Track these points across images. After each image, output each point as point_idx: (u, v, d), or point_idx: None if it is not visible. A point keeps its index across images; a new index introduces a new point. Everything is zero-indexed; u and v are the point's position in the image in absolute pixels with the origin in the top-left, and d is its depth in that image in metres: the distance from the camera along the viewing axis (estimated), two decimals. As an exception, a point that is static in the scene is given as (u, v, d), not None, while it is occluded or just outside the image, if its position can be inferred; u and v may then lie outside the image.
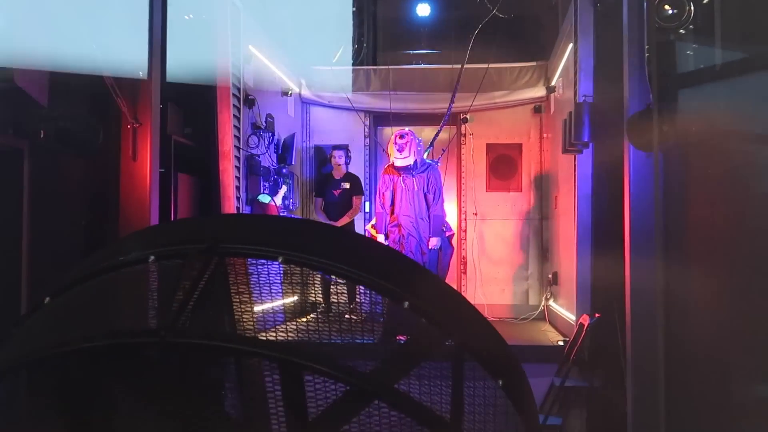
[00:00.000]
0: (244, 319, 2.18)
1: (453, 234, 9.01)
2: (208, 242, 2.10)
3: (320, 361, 1.82)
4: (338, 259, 2.14)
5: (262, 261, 2.13)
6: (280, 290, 2.20)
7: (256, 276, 2.17)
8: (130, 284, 2.14)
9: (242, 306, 2.17)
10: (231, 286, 2.17)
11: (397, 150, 8.69)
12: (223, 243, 2.12)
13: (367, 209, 10.77)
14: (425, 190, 8.74)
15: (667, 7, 4.45)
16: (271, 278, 2.17)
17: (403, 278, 2.22)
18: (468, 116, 10.71)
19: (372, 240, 2.83)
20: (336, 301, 2.34)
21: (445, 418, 2.01)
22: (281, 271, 2.15)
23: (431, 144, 9.77)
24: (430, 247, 8.59)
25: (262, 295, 2.20)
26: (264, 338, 2.01)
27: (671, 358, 5.12)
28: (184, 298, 1.91)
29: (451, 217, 10.64)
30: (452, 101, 9.67)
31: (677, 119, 4.69)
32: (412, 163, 8.73)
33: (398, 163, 8.73)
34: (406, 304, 2.09)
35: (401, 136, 8.74)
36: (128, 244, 2.33)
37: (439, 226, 8.67)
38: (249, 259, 2.15)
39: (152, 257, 2.13)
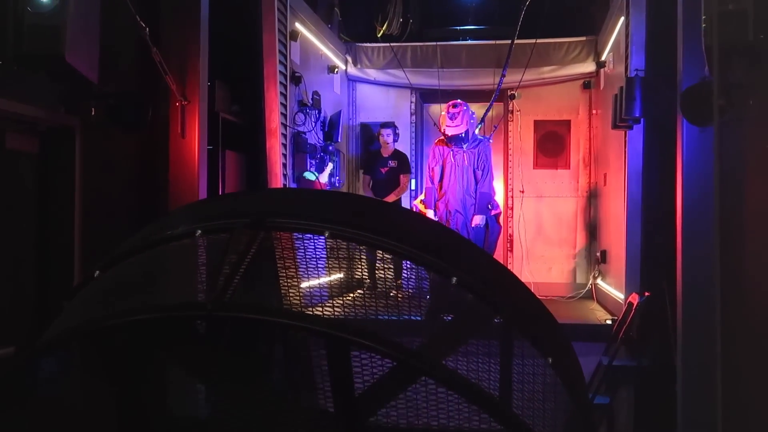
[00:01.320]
0: (291, 294, 2.18)
1: (500, 212, 8.86)
2: (255, 216, 2.10)
3: (367, 336, 1.80)
4: (385, 234, 2.12)
5: (309, 235, 2.12)
6: (326, 265, 2.19)
7: (302, 250, 2.15)
8: (178, 258, 2.15)
9: (288, 280, 2.17)
10: (277, 260, 2.17)
11: (449, 118, 8.53)
12: (270, 217, 2.11)
13: (413, 187, 10.73)
14: (475, 166, 8.59)
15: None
16: (317, 253, 2.16)
17: (452, 254, 2.19)
18: (516, 93, 10.57)
19: (419, 215, 2.80)
20: (382, 277, 2.32)
21: (494, 395, 1.98)
22: (327, 246, 2.14)
23: (482, 120, 9.62)
24: (473, 225, 8.44)
25: (309, 269, 2.19)
26: (311, 313, 2.00)
27: (725, 338, 4.99)
28: (231, 272, 1.90)
29: (498, 195, 10.55)
30: (503, 76, 9.49)
31: (734, 93, 4.53)
32: (463, 132, 8.56)
33: (450, 131, 8.57)
34: (454, 279, 2.06)
35: (454, 105, 8.60)
36: (176, 218, 2.34)
37: (485, 204, 8.53)
38: (295, 234, 2.14)
39: (199, 231, 2.14)
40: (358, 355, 1.93)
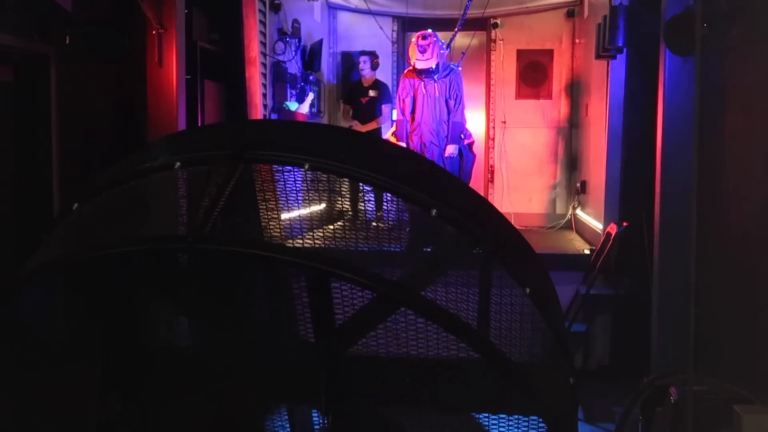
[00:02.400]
0: (271, 226, 2.18)
1: (473, 141, 8.74)
2: (234, 148, 2.08)
3: (347, 268, 1.82)
4: (365, 167, 2.12)
5: (288, 168, 2.12)
6: (307, 197, 2.19)
7: (283, 183, 2.15)
8: (157, 190, 2.14)
9: (269, 213, 2.17)
10: (257, 192, 2.17)
11: (419, 51, 8.35)
12: (249, 149, 2.10)
13: (395, 117, 10.64)
14: (447, 96, 8.44)
15: None
16: (297, 185, 2.15)
17: (431, 185, 2.20)
18: (498, 21, 10.41)
19: (399, 147, 2.79)
20: (363, 208, 2.33)
21: (472, 325, 2.02)
22: (308, 178, 2.14)
23: (448, 46, 9.42)
24: (446, 155, 8.35)
25: (289, 201, 2.19)
26: (291, 245, 2.01)
27: (700, 268, 5.08)
28: (210, 204, 1.90)
29: (479, 125, 10.51)
30: (469, 1, 9.27)
31: (717, 22, 4.51)
32: (434, 66, 8.41)
33: (420, 65, 8.41)
34: (434, 211, 2.07)
35: (423, 37, 8.39)
36: (155, 150, 2.32)
37: (458, 134, 8.41)
38: (275, 166, 2.13)
39: (178, 163, 2.12)
40: (338, 286, 1.95)
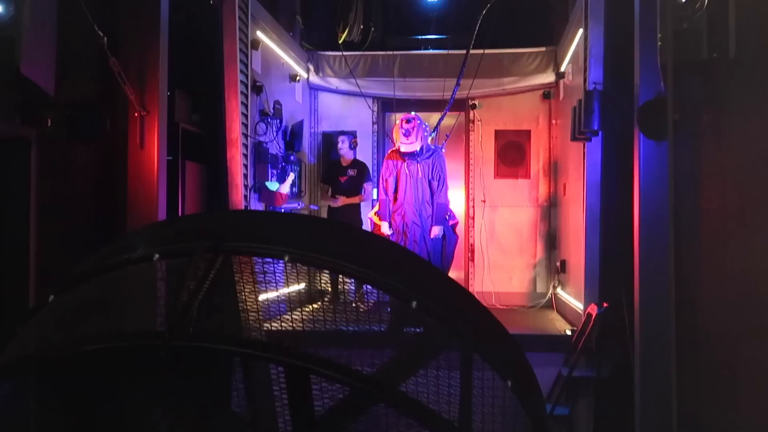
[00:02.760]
0: (251, 319, 2.17)
1: (457, 222, 8.85)
2: (214, 240, 2.08)
3: (325, 364, 1.80)
4: (345, 258, 2.12)
5: (268, 259, 2.12)
6: (288, 285, 2.18)
7: (262, 275, 2.14)
8: (135, 283, 2.13)
9: (248, 305, 2.15)
10: (237, 284, 2.16)
11: (403, 134, 8.52)
12: (229, 241, 2.10)
13: (375, 196, 10.73)
14: (430, 177, 8.56)
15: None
16: (277, 276, 2.15)
17: (412, 277, 2.20)
18: (476, 102, 10.64)
19: (379, 236, 2.80)
20: (343, 289, 2.32)
21: (452, 419, 1.99)
22: (287, 270, 2.13)
23: (435, 129, 9.64)
24: (432, 236, 8.43)
25: (269, 292, 2.19)
26: (269, 342, 1.99)
27: (681, 350, 5.09)
28: (189, 299, 1.89)
29: (459, 204, 10.60)
30: (457, 85, 9.55)
31: (689, 108, 4.63)
32: (418, 149, 8.58)
33: (404, 148, 8.57)
34: (415, 303, 2.07)
35: (408, 121, 8.57)
36: (133, 240, 2.31)
37: (442, 215, 8.51)
38: (255, 258, 2.13)
39: (157, 255, 2.11)
40: (317, 378, 1.93)
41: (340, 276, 2.19)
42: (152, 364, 1.87)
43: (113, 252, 2.26)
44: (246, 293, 2.16)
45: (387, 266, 2.18)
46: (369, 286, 2.12)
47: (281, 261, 2.09)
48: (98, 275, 2.17)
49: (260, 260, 2.11)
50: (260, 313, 2.21)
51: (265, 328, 2.21)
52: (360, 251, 2.25)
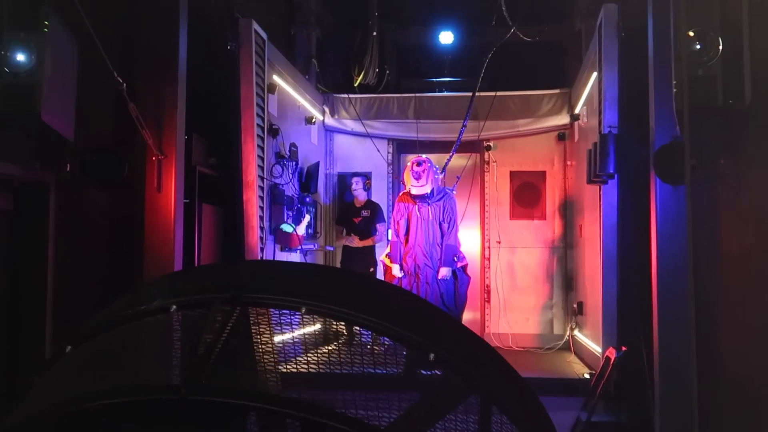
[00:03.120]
0: (267, 371, 2.15)
1: (467, 264, 8.82)
2: (231, 291, 2.08)
3: (342, 419, 1.78)
4: (362, 309, 2.11)
5: (286, 311, 2.11)
6: (303, 340, 2.18)
7: (279, 326, 2.14)
8: (152, 335, 2.12)
9: (265, 357, 2.14)
10: (254, 336, 2.15)
11: (414, 178, 8.57)
12: (246, 293, 2.10)
13: (389, 237, 10.74)
14: (440, 219, 8.57)
15: (691, 34, 4.40)
16: (294, 328, 2.15)
17: (429, 328, 2.19)
18: (491, 143, 10.67)
19: (396, 287, 2.79)
20: (359, 332, 2.31)
21: (471, 477, 1.96)
22: (304, 321, 2.13)
23: (443, 170, 9.66)
24: (439, 277, 8.42)
25: (285, 344, 2.18)
26: (286, 396, 1.97)
27: (702, 395, 5.01)
28: (206, 352, 1.88)
29: (474, 245, 10.58)
30: (464, 126, 9.59)
31: (705, 153, 4.62)
32: (429, 191, 8.61)
33: (415, 191, 8.61)
34: (432, 356, 2.05)
35: (418, 164, 8.62)
36: (151, 291, 2.31)
37: (451, 257, 8.50)
38: (272, 309, 2.13)
39: (174, 306, 2.11)
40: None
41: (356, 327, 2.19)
42: (168, 418, 1.86)
43: (130, 302, 2.26)
44: (262, 344, 2.15)
45: (403, 317, 2.17)
46: (386, 339, 2.11)
47: (299, 313, 2.08)
48: (115, 326, 2.17)
49: (277, 312, 2.11)
50: (277, 363, 2.20)
51: (280, 371, 2.20)
52: (376, 302, 2.24)
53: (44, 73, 4.28)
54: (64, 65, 4.63)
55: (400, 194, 9.05)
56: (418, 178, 8.51)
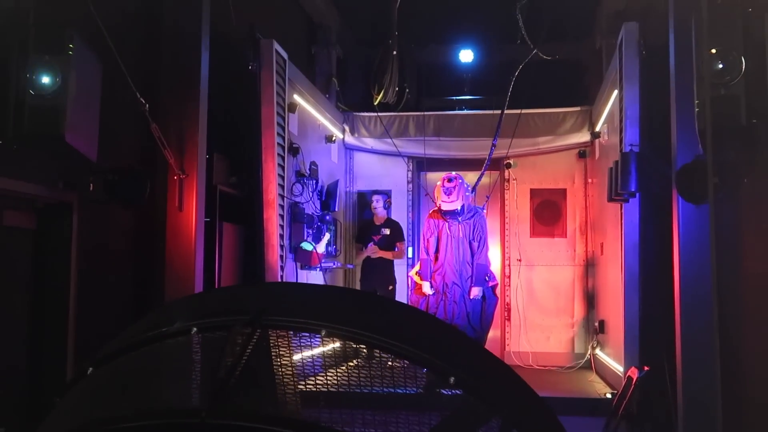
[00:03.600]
0: (287, 393, 2.15)
1: (497, 284, 8.82)
2: (251, 314, 2.09)
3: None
4: (382, 332, 2.11)
5: (306, 334, 2.11)
6: (323, 363, 2.17)
7: (299, 349, 2.14)
8: (172, 357, 2.13)
9: (285, 379, 2.14)
10: (274, 359, 2.15)
11: (445, 193, 8.60)
12: (267, 315, 2.10)
13: (410, 255, 10.73)
14: (470, 238, 8.59)
15: (713, 51, 4.38)
16: (314, 350, 2.15)
17: (449, 351, 2.18)
18: (511, 161, 10.66)
19: (417, 309, 2.79)
20: (379, 355, 2.30)
21: (492, 502, 1.94)
22: (324, 344, 2.13)
23: (473, 189, 9.69)
24: (471, 297, 8.42)
25: (305, 366, 2.18)
26: (307, 420, 1.97)
27: (726, 417, 4.94)
28: (226, 374, 1.88)
29: (495, 263, 10.54)
30: (493, 146, 9.62)
31: (728, 172, 4.58)
32: (459, 207, 8.64)
33: (445, 207, 8.64)
34: (452, 379, 2.04)
35: (449, 180, 8.65)
36: (171, 313, 2.32)
37: (482, 276, 8.51)
38: (292, 332, 2.13)
39: (195, 329, 2.12)
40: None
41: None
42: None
43: (151, 324, 2.27)
44: (282, 367, 2.15)
45: (423, 340, 2.17)
46: (406, 361, 2.10)
47: (318, 335, 2.08)
48: (136, 348, 2.18)
49: (297, 334, 2.11)
50: (296, 384, 2.20)
51: (300, 391, 2.19)
52: (396, 324, 2.24)
53: (69, 94, 4.33)
54: (88, 87, 4.68)
55: (431, 211, 9.08)
56: (449, 194, 8.55)
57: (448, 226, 8.63)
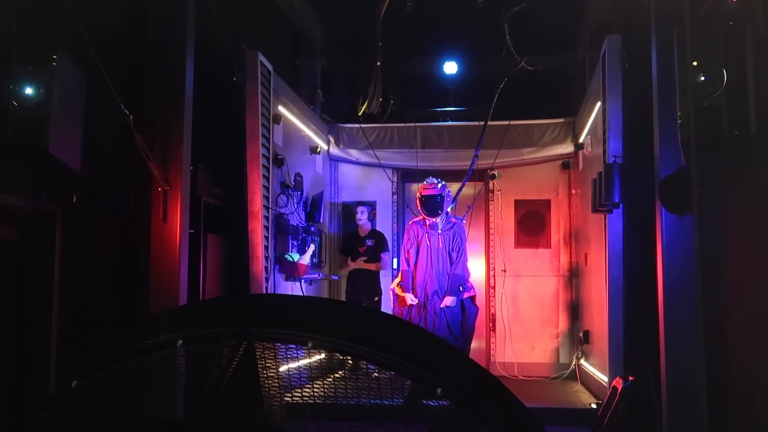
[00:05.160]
0: (273, 405, 2.14)
1: (475, 294, 8.80)
2: (237, 326, 2.08)
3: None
4: (369, 343, 2.11)
5: (292, 345, 2.11)
6: (309, 374, 2.17)
7: (285, 360, 2.13)
8: (157, 370, 2.12)
9: (271, 391, 2.13)
10: (260, 371, 2.14)
11: (424, 201, 8.65)
12: (253, 327, 2.09)
13: (394, 266, 10.72)
14: (450, 249, 8.60)
15: (695, 63, 4.42)
16: (300, 361, 2.14)
17: (436, 362, 2.18)
18: (496, 172, 10.69)
19: (403, 320, 2.79)
20: (365, 366, 2.30)
21: None
22: (310, 355, 2.12)
23: (454, 199, 9.69)
24: (442, 306, 8.39)
25: (291, 375, 2.17)
26: (291, 430, 1.96)
27: (713, 426, 4.96)
28: (212, 387, 1.88)
29: (479, 274, 10.55)
30: (475, 157, 9.64)
31: (711, 183, 4.62)
32: (439, 218, 8.66)
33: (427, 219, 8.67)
34: (439, 390, 2.04)
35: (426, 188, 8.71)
36: (156, 325, 2.31)
37: (456, 286, 8.47)
38: (278, 344, 2.12)
39: (181, 341, 2.11)
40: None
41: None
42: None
43: (136, 336, 2.26)
44: (269, 379, 2.14)
45: (410, 350, 2.17)
46: (392, 372, 2.10)
47: (304, 347, 2.08)
48: (120, 361, 2.16)
49: (283, 346, 2.10)
50: (282, 396, 2.19)
51: (286, 402, 2.18)
52: (382, 335, 2.24)
53: (52, 106, 4.32)
54: (72, 98, 4.66)
55: (411, 222, 9.07)
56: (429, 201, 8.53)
57: (428, 237, 8.62)
